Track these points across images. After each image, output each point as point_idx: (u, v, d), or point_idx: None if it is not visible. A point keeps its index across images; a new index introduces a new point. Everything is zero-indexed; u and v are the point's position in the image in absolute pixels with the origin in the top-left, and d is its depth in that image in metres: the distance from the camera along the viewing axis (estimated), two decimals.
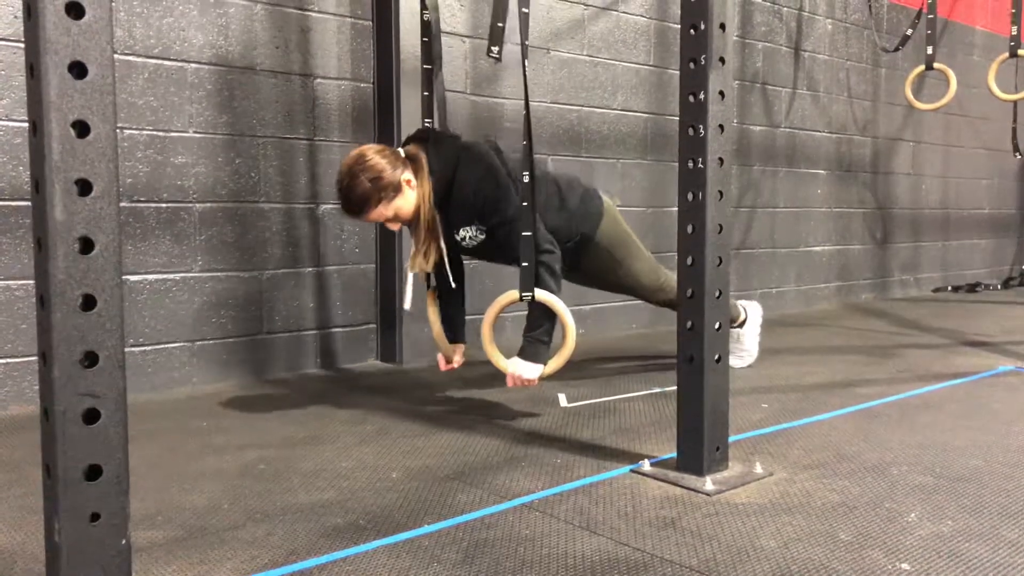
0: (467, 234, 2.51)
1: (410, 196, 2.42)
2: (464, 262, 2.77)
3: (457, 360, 2.69)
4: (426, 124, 2.64)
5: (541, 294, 2.34)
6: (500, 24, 2.51)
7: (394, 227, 2.53)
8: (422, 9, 2.61)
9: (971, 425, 2.39)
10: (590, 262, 2.83)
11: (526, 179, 2.28)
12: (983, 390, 2.84)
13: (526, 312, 2.44)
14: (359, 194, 2.37)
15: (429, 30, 2.61)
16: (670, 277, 2.92)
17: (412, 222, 2.49)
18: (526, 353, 2.41)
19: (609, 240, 2.81)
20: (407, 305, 2.57)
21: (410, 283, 2.56)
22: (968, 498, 1.80)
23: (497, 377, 2.59)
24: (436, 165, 2.46)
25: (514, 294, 2.35)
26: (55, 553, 1.13)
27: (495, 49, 2.49)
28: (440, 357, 2.70)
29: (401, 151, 2.48)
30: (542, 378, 2.43)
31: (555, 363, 2.42)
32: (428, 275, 2.70)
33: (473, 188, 2.46)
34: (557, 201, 2.67)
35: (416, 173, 2.44)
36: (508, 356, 2.44)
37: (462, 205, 2.48)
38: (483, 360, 2.56)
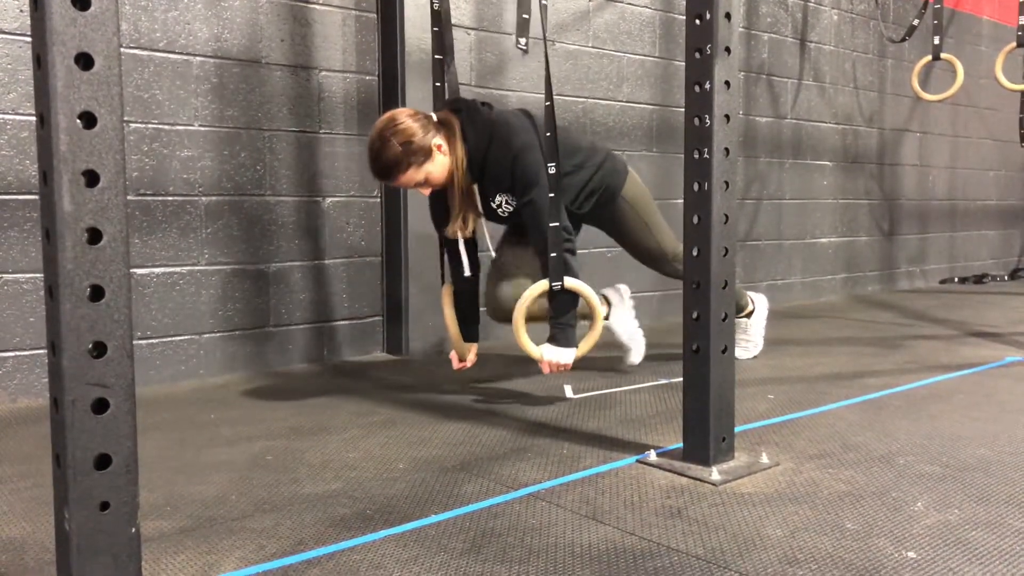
0: (502, 200, 2.54)
1: (441, 161, 2.44)
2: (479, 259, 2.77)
3: (470, 359, 2.72)
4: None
5: (570, 282, 2.39)
6: (525, 16, 2.50)
7: (425, 192, 2.52)
8: None
9: (978, 415, 2.38)
10: (616, 218, 2.85)
11: (552, 170, 2.29)
12: (990, 381, 2.83)
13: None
14: (389, 158, 2.37)
15: (439, 19, 2.60)
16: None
17: (446, 187, 2.50)
18: (557, 339, 2.46)
19: (634, 199, 2.82)
20: (466, 271, 2.61)
21: (462, 246, 2.58)
22: (975, 487, 1.79)
23: (504, 370, 2.60)
24: (471, 133, 2.47)
25: (545, 284, 2.39)
26: (65, 542, 1.14)
27: (522, 40, 2.49)
28: (453, 355, 2.72)
29: (434, 116, 2.49)
30: (576, 360, 2.49)
31: (586, 345, 2.49)
32: (443, 271, 2.70)
33: (510, 159, 2.47)
34: (583, 157, 2.70)
35: (448, 139, 2.45)
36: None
37: (498, 173, 2.49)
38: (489, 353, 2.56)
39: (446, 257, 2.71)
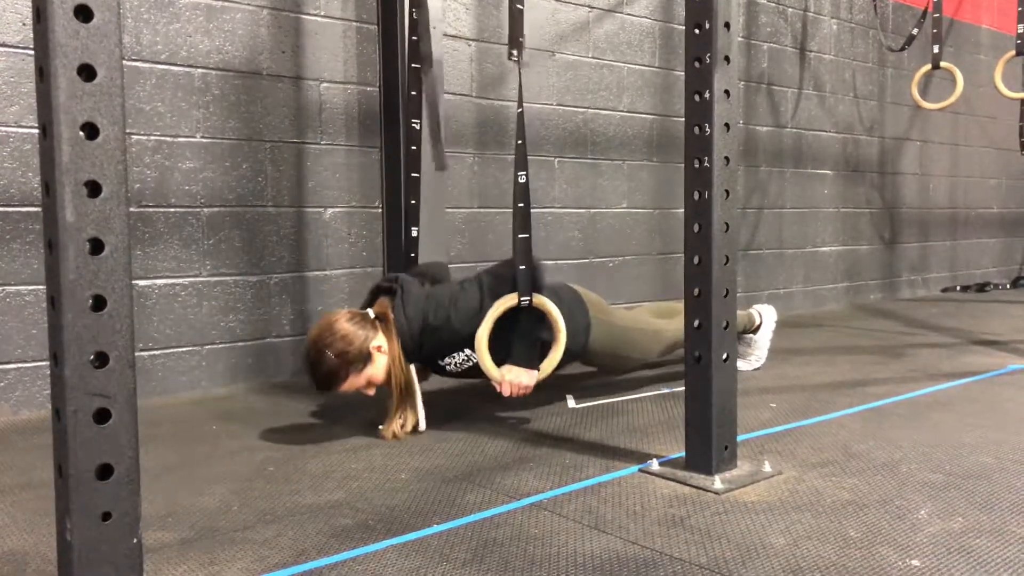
0: (453, 360, 2.44)
1: (381, 362, 2.32)
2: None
3: (418, 376, 2.57)
4: (413, 125, 2.61)
5: (538, 298, 2.33)
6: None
7: (369, 392, 2.38)
8: (411, 7, 2.58)
9: (981, 423, 2.38)
10: (594, 364, 2.79)
11: (521, 179, 2.27)
12: (993, 389, 2.83)
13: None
14: (327, 370, 2.26)
15: (416, 28, 2.58)
16: (668, 332, 2.81)
17: (386, 386, 2.38)
18: (520, 359, 2.36)
19: (602, 344, 2.67)
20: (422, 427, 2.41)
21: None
22: (978, 495, 1.79)
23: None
24: (403, 313, 2.35)
25: (512, 299, 2.32)
26: (67, 552, 1.14)
27: (515, 53, 2.47)
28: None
29: (370, 312, 2.37)
30: (538, 383, 2.39)
31: (548, 366, 2.38)
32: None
33: (453, 326, 2.36)
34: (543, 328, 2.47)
35: (386, 335, 2.33)
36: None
37: (443, 344, 2.39)
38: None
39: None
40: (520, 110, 2.28)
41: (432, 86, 2.58)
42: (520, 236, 2.29)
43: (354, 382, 2.30)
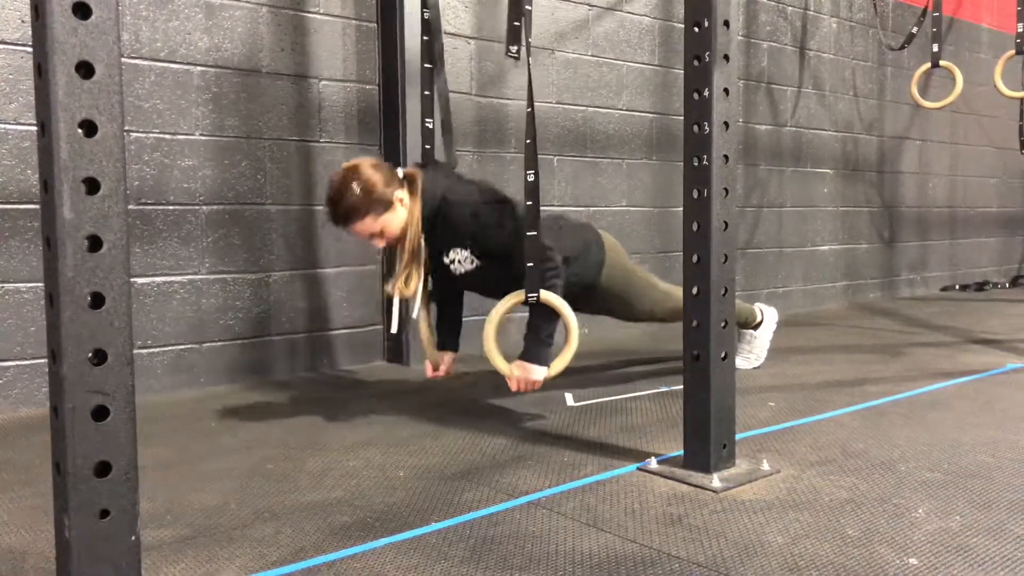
0: (456, 257, 2.46)
1: (400, 214, 2.38)
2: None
3: (443, 368, 2.66)
4: (427, 124, 2.63)
5: (546, 295, 2.32)
6: (516, 23, 2.50)
7: (379, 243, 2.44)
8: (423, 7, 2.61)
9: (979, 422, 2.38)
10: (600, 303, 2.80)
11: (530, 178, 2.28)
12: (992, 388, 2.83)
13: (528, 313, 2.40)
14: (348, 204, 2.33)
15: (429, 28, 2.61)
16: (677, 296, 2.83)
17: (397, 243, 2.44)
18: (530, 355, 2.37)
19: (613, 284, 2.74)
20: (394, 328, 2.50)
21: (396, 304, 2.48)
22: (976, 494, 1.79)
23: (504, 378, 2.58)
24: (430, 185, 2.42)
25: (520, 295, 2.32)
26: (65, 550, 1.14)
27: (514, 48, 2.47)
28: (427, 363, 2.66)
29: (400, 171, 2.45)
30: (547, 380, 2.40)
31: (559, 364, 2.38)
32: (425, 278, 2.65)
33: (469, 209, 2.42)
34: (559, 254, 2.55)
35: (410, 193, 2.40)
36: (509, 359, 2.39)
37: (454, 225, 2.43)
38: (488, 360, 2.55)
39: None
40: (529, 109, 2.28)
41: (444, 86, 2.60)
42: (529, 234, 2.28)
43: (370, 225, 2.36)
